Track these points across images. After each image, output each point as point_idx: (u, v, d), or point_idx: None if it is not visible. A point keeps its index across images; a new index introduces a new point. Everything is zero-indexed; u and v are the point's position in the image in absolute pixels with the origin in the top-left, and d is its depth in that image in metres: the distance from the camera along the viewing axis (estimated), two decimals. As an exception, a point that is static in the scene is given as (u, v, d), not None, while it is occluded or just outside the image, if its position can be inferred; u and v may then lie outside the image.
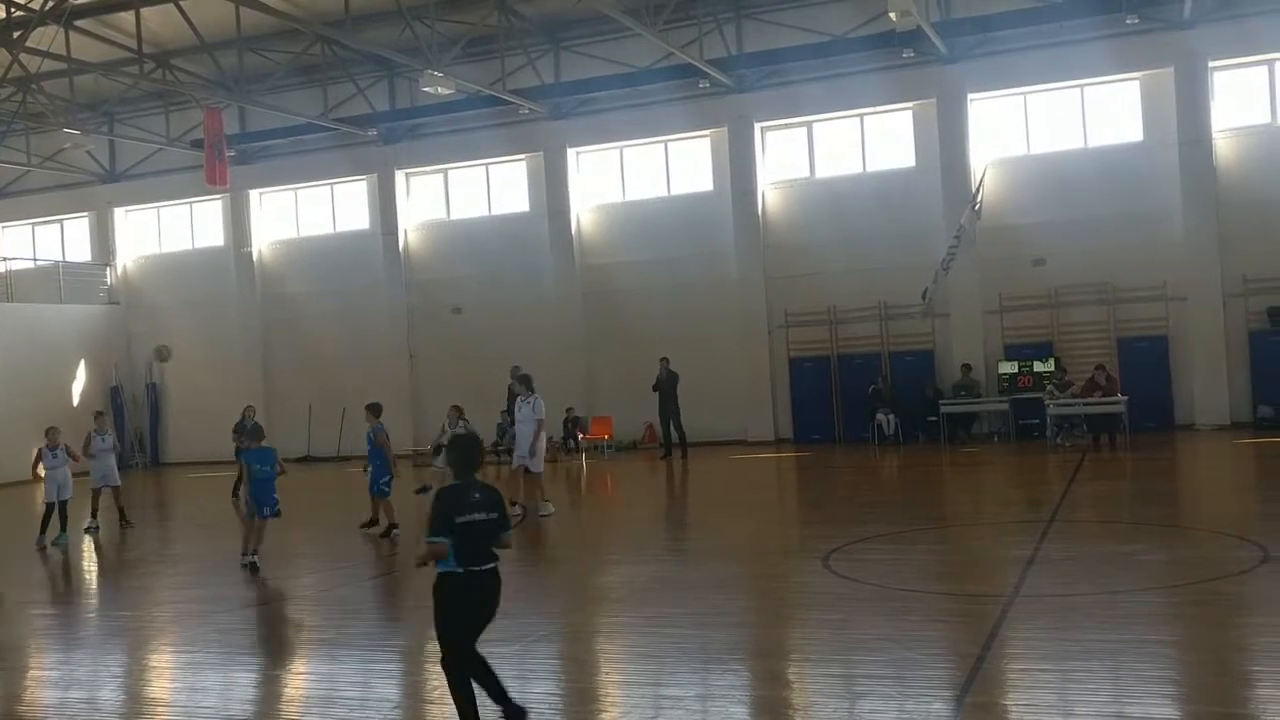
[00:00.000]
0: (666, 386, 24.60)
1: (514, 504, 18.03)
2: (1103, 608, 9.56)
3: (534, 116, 28.37)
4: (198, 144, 27.80)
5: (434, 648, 9.57)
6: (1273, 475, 18.25)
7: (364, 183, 31.08)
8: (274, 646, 10.52)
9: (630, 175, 28.69)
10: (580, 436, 26.48)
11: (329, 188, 31.76)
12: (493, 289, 29.18)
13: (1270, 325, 23.31)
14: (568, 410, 26.62)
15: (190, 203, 33.04)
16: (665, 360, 24.69)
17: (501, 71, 26.51)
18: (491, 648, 9.68)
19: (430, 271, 30.31)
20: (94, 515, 18.33)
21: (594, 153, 28.93)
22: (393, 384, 29.48)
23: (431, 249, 30.52)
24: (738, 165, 27.01)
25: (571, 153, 28.73)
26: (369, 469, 16.20)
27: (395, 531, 15.54)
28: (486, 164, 30.00)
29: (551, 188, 28.75)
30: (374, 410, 16.79)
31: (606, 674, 9.02)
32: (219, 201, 32.20)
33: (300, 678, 9.38)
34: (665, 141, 28.22)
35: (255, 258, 32.02)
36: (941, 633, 9.21)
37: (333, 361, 30.69)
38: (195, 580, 13.95)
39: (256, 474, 13.72)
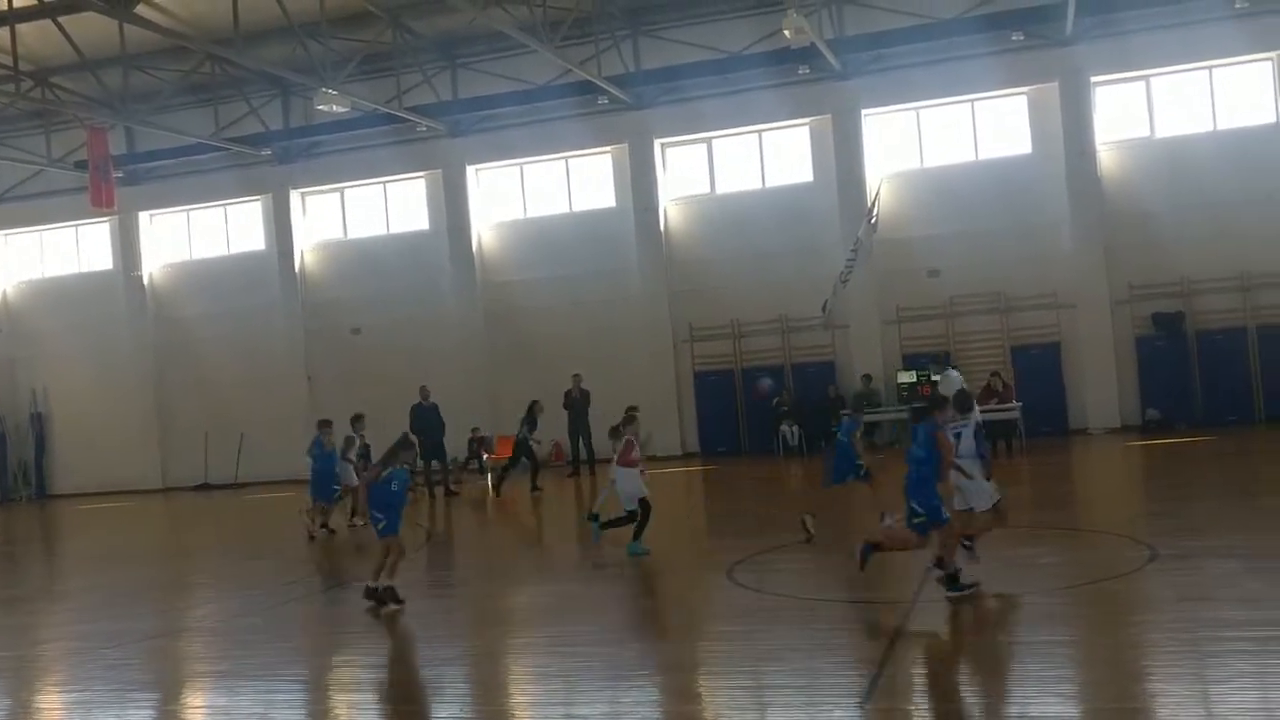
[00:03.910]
0: (579, 404, 24.48)
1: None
2: (1003, 610, 9.74)
3: (432, 134, 28.13)
4: (82, 165, 26.94)
5: (337, 676, 9.35)
6: (1160, 476, 18.85)
7: (258, 203, 30.47)
8: (168, 681, 10.15)
9: (531, 192, 28.60)
10: (485, 457, 26.21)
11: (222, 208, 31.07)
12: (392, 309, 28.81)
13: (1155, 331, 24.13)
14: (473, 430, 26.35)
15: (76, 225, 32.02)
16: (578, 377, 24.57)
17: (398, 89, 26.24)
18: (395, 673, 9.54)
19: (328, 292, 29.81)
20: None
21: (494, 170, 28.78)
22: (290, 407, 28.92)
23: (329, 269, 30.02)
24: (639, 181, 27.11)
25: (471, 170, 28.54)
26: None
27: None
28: (384, 182, 29.63)
29: (451, 205, 28.52)
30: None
31: (515, 696, 8.90)
32: (106, 224, 31.27)
33: (197, 713, 9.07)
34: (566, 158, 28.21)
35: (146, 281, 31.14)
36: (845, 641, 9.29)
37: (228, 386, 29.97)
38: (83, 615, 13.42)
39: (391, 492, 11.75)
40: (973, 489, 10.52)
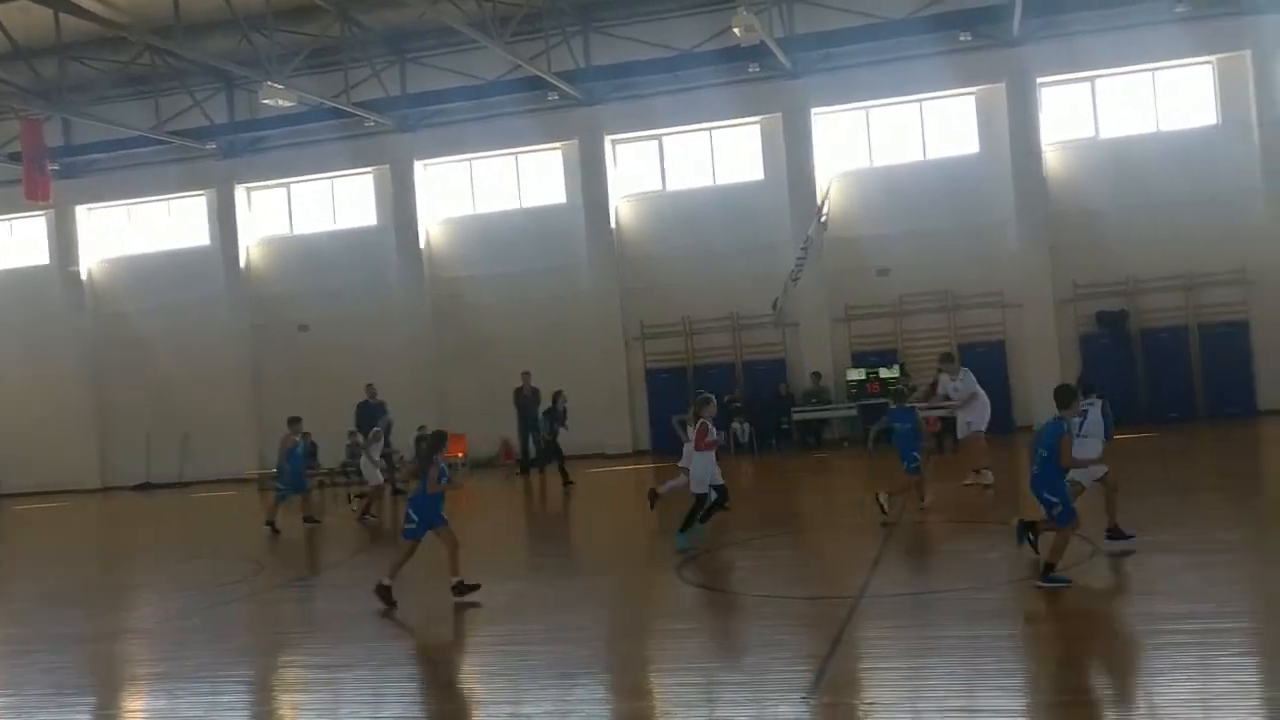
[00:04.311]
0: (529, 402, 24.28)
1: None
2: (947, 604, 9.79)
3: (380, 129, 27.86)
4: (16, 157, 26.34)
5: (282, 677, 9.18)
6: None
7: (202, 198, 30.00)
8: (106, 685, 9.92)
9: (481, 188, 28.40)
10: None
11: (165, 203, 30.55)
12: (340, 305, 28.52)
13: (1100, 329, 24.46)
14: (420, 428, 26.02)
15: (10, 219, 31.34)
16: (527, 374, 24.34)
17: (345, 84, 25.93)
18: (340, 673, 9.39)
19: (274, 288, 29.43)
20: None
21: (443, 165, 28.55)
22: (236, 404, 28.56)
23: (275, 265, 29.64)
24: (589, 178, 27.01)
25: (419, 165, 28.29)
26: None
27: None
28: (331, 178, 29.30)
29: (399, 201, 28.27)
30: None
31: (461, 694, 8.79)
32: (42, 218, 30.63)
33: (135, 716, 8.87)
34: (516, 154, 28.05)
35: (85, 276, 30.54)
36: (792, 636, 9.28)
37: (172, 383, 29.50)
38: (17, 619, 13.09)
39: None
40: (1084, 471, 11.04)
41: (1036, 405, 24.57)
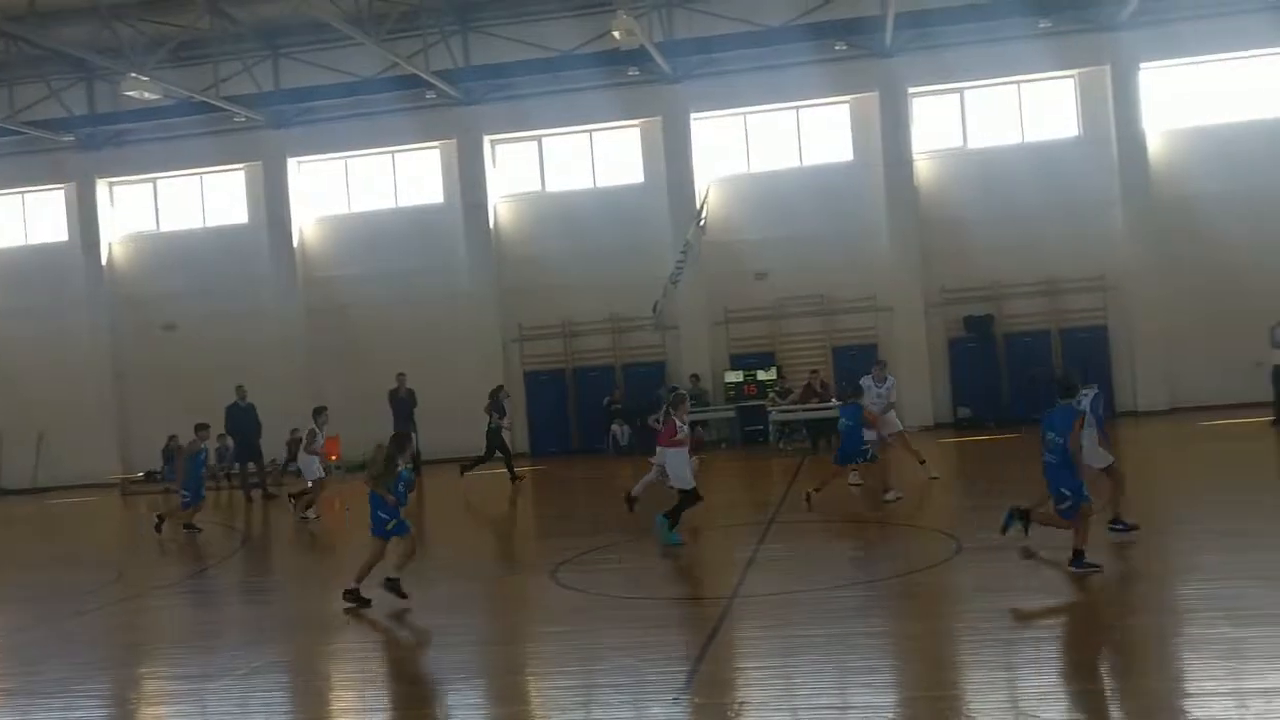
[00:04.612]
0: (404, 404, 23.81)
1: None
2: (817, 603, 9.94)
3: (252, 125, 27.14)
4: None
5: (142, 689, 8.82)
6: (971, 472, 19.67)
7: (60, 192, 28.80)
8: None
9: (356, 186, 27.90)
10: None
11: (19, 196, 29.25)
12: (209, 304, 27.73)
13: (967, 333, 25.20)
14: (291, 431, 25.47)
15: None
16: (402, 376, 23.80)
17: (215, 77, 25.18)
18: (201, 683, 9.07)
19: (138, 286, 28.45)
20: None
21: (317, 162, 27.94)
22: (96, 406, 27.48)
23: (140, 262, 28.63)
24: (467, 178, 26.77)
25: (293, 162, 27.65)
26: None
27: None
28: (201, 173, 28.45)
29: (271, 198, 27.61)
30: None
31: (329, 703, 8.58)
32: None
33: (-24, 734, 8.43)
34: (393, 153, 27.62)
35: (-69, 273, 29.07)
36: (666, 638, 9.30)
37: (26, 384, 28.20)
38: None
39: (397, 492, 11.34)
40: (1091, 455, 11.17)
41: (908, 407, 25.19)
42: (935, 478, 16.61)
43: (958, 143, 25.71)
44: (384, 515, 11.06)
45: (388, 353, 25.62)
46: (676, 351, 26.33)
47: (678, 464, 13.25)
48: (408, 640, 9.79)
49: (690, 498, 13.17)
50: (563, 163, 27.08)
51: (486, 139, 26.82)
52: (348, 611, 10.78)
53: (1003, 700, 7.25)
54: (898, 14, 23.07)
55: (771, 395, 24.34)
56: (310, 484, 18.74)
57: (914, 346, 25.31)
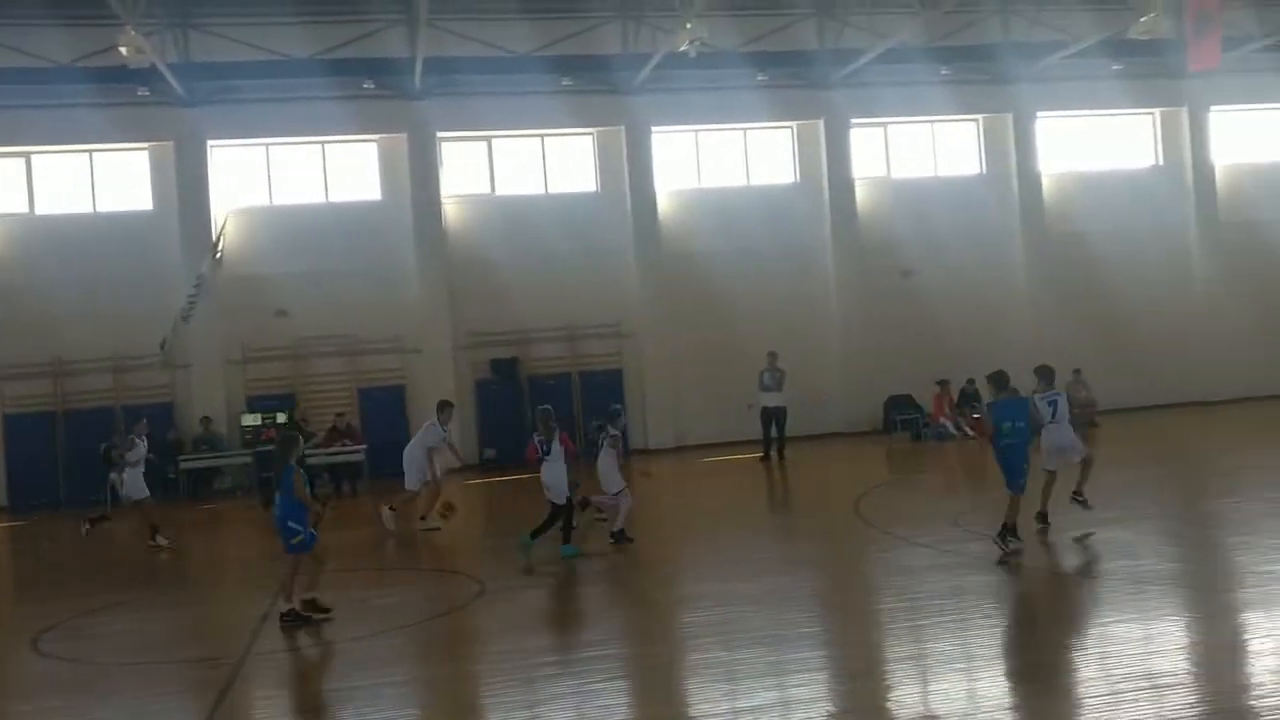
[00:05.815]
0: None
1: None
2: (336, 655, 9.51)
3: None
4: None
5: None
6: (497, 512, 19.95)
7: None
8: None
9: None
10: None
11: None
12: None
13: (493, 375, 25.69)
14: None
15: None
16: None
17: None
18: None
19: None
20: None
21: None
22: None
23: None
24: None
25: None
26: None
27: None
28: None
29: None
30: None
31: None
32: None
33: None
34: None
35: None
36: (167, 705, 8.45)
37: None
38: None
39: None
40: (1072, 447, 12.31)
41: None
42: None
43: (485, 189, 26.26)
44: (295, 527, 10.60)
45: None
46: (187, 391, 24.43)
47: (557, 477, 13.25)
48: None
49: (562, 512, 13.17)
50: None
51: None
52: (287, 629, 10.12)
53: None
54: (426, 59, 23.27)
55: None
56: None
57: (441, 388, 25.29)
